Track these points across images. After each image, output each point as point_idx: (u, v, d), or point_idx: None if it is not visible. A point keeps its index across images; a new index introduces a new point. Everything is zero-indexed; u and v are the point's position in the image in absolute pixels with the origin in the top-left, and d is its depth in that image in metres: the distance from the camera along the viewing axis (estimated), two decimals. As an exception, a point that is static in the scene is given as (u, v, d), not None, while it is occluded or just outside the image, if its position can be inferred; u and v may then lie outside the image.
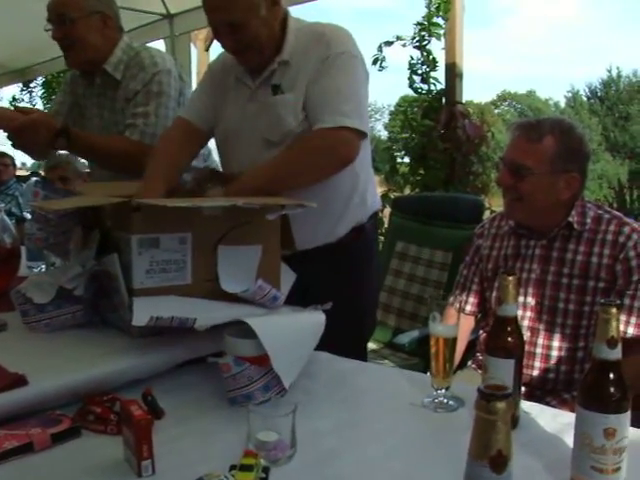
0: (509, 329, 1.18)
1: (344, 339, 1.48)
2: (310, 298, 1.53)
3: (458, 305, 1.97)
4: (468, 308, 2.01)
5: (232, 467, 0.93)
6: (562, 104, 45.12)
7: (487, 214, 3.40)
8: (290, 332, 1.32)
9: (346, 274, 1.88)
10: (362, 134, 1.71)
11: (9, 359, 1.26)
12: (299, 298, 1.56)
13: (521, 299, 1.81)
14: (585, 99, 43.35)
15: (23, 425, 1.10)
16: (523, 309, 1.82)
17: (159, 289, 1.41)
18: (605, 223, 1.77)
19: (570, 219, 1.78)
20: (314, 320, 1.37)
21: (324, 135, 1.68)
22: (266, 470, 0.95)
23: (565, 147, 1.75)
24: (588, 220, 1.79)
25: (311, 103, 1.72)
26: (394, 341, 2.47)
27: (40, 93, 16.11)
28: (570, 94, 44.53)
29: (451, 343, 1.28)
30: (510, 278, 1.18)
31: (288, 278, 1.64)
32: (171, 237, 1.43)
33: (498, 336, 1.19)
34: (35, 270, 2.23)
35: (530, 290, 1.82)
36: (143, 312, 1.28)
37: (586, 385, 0.92)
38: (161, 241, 1.41)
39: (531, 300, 1.82)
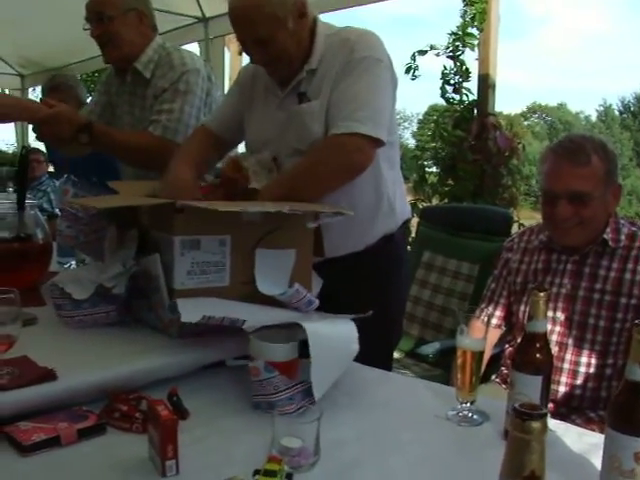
0: (538, 345, 1.17)
1: (370, 347, 1.47)
2: (336, 305, 1.54)
3: (485, 318, 1.96)
4: (494, 321, 2.00)
5: (256, 472, 0.93)
6: (593, 118, 44.77)
7: (515, 227, 3.38)
8: (335, 345, 1.32)
9: (374, 282, 1.87)
10: (376, 141, 1.67)
11: (38, 353, 1.27)
12: (324, 304, 1.56)
13: (550, 314, 1.79)
14: (617, 113, 42.93)
15: (51, 419, 1.11)
16: (552, 324, 1.80)
17: (198, 290, 1.43)
18: (639, 240, 1.77)
19: (605, 236, 1.77)
20: (352, 336, 1.38)
21: (335, 142, 1.66)
22: (289, 476, 0.95)
23: (609, 162, 1.77)
24: (622, 237, 1.78)
25: (330, 109, 1.71)
26: (418, 351, 2.46)
27: (75, 91, 16.41)
28: (602, 108, 44.13)
29: (478, 357, 1.27)
30: (541, 294, 1.17)
31: (316, 284, 1.65)
32: (212, 239, 1.44)
33: (527, 352, 1.18)
34: (65, 266, 2.26)
35: (560, 305, 1.81)
36: (192, 311, 1.29)
37: (617, 406, 0.91)
38: (202, 243, 1.43)
39: (560, 315, 1.80)
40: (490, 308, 2.02)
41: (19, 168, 2.02)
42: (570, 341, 1.78)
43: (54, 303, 1.52)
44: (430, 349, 2.38)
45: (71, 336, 1.47)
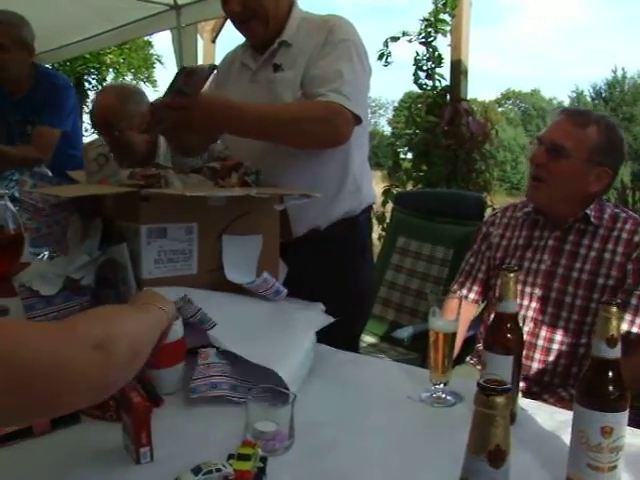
0: (509, 325, 1.19)
1: (336, 332, 1.49)
2: (300, 287, 1.59)
3: (462, 292, 1.97)
4: (471, 296, 2.02)
5: (230, 456, 0.94)
6: (566, 104, 45.16)
7: (489, 211, 3.41)
8: (303, 363, 1.33)
9: (337, 265, 1.88)
10: (357, 119, 1.71)
11: (10, 344, 1.26)
12: (289, 287, 1.59)
13: (528, 289, 1.82)
14: (589, 99, 43.34)
15: (23, 409, 1.10)
16: (529, 299, 1.82)
17: (166, 279, 1.42)
18: (622, 221, 1.78)
19: (587, 211, 1.78)
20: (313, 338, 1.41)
21: (328, 107, 1.67)
22: (264, 460, 0.95)
23: (606, 141, 1.77)
24: (605, 216, 1.79)
25: (311, 79, 1.74)
26: (393, 335, 2.48)
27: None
28: (574, 94, 44.56)
29: (450, 338, 1.28)
30: (511, 275, 1.18)
31: (282, 269, 1.67)
32: (178, 227, 1.44)
33: (497, 332, 1.19)
34: (38, 257, 2.23)
35: (538, 281, 1.83)
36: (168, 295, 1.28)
37: (584, 383, 0.93)
38: (169, 231, 1.42)
39: (538, 291, 1.82)
40: (468, 283, 2.03)
41: (-13, 158, 1.99)
42: (546, 318, 1.80)
43: (25, 305, 1.47)
44: (405, 333, 2.40)
45: (43, 326, 1.45)
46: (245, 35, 1.89)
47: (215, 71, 1.93)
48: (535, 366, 1.80)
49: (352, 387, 1.35)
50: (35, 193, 1.67)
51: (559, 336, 1.78)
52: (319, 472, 1.00)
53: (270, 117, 1.67)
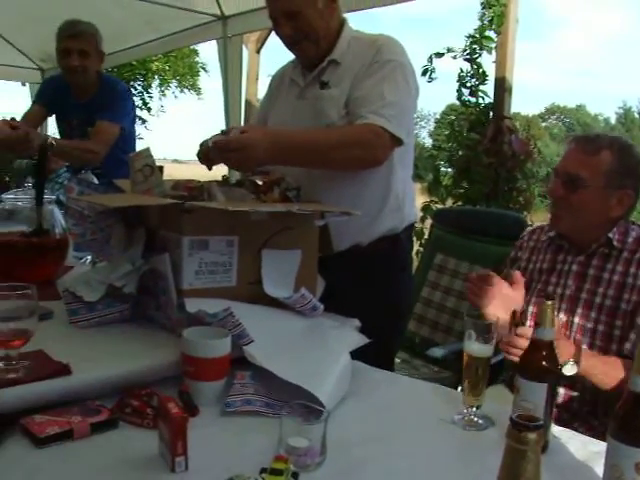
0: (544, 353, 1.18)
1: (371, 349, 1.50)
2: (338, 301, 1.61)
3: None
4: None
5: (262, 470, 0.96)
6: (612, 120, 44.46)
7: (528, 231, 3.37)
8: (339, 384, 1.33)
9: (377, 282, 1.90)
10: (397, 141, 1.75)
11: (54, 348, 1.31)
12: (326, 301, 1.60)
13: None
14: (637, 116, 42.57)
15: (64, 412, 1.14)
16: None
17: (206, 290, 1.45)
18: None
19: (610, 235, 1.75)
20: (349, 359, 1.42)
21: (366, 129, 1.71)
22: (295, 475, 0.97)
23: (622, 164, 1.74)
24: (629, 240, 1.75)
25: (354, 99, 1.77)
26: (428, 353, 2.47)
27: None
28: (622, 110, 43.81)
29: (484, 362, 1.28)
30: (549, 302, 1.18)
31: (319, 284, 1.69)
32: (220, 240, 1.47)
33: (533, 359, 1.19)
34: (81, 261, 2.29)
35: (563, 306, 1.80)
36: (209, 307, 1.33)
37: (619, 417, 0.92)
38: (210, 243, 1.45)
39: (562, 316, 1.79)
40: None
41: (38, 163, 2.05)
42: None
43: (68, 310, 1.52)
44: (440, 352, 2.39)
45: (85, 331, 1.49)
46: (297, 55, 1.93)
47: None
48: (562, 392, 1.77)
49: (385, 406, 1.35)
50: (82, 200, 1.72)
51: None
52: (349, 490, 1.01)
53: (307, 146, 1.73)
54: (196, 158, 1.85)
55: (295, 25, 1.79)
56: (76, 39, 3.10)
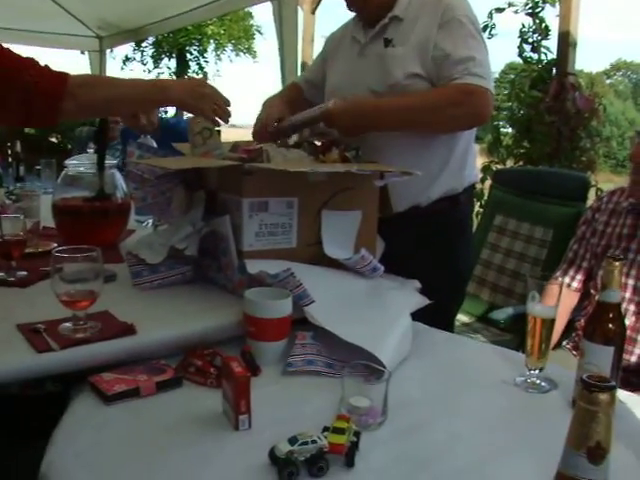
0: (611, 315, 1.15)
1: (433, 310, 1.49)
2: (398, 263, 1.60)
3: (564, 280, 1.92)
4: (574, 285, 1.97)
5: (325, 429, 0.96)
6: (684, 76, 42.50)
7: (593, 192, 3.27)
8: (400, 346, 1.33)
9: (437, 243, 1.88)
10: (493, 97, 1.74)
11: (118, 309, 1.34)
12: (387, 263, 1.59)
13: (631, 282, 1.76)
14: None
15: (130, 371, 1.17)
16: (632, 292, 1.76)
17: (266, 252, 1.46)
18: None
19: None
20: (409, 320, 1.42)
21: (466, 90, 1.68)
22: (357, 434, 0.97)
23: None
24: None
25: (439, 59, 1.73)
26: (490, 316, 2.44)
27: (150, 53, 16.70)
28: (695, 64, 41.78)
29: (549, 324, 1.25)
30: (617, 263, 1.14)
31: (379, 245, 1.68)
32: (279, 201, 1.47)
33: (599, 321, 1.15)
34: (143, 224, 2.34)
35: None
36: (270, 268, 1.34)
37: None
38: (270, 205, 1.46)
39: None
40: (571, 271, 1.98)
41: (99, 129, 2.09)
42: None
43: (131, 272, 1.56)
44: (502, 314, 2.36)
45: (148, 293, 1.53)
46: (357, 11, 1.90)
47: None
48: (634, 360, 1.73)
49: (446, 367, 1.35)
50: (142, 164, 1.74)
51: None
52: (411, 450, 1.01)
53: (410, 109, 1.72)
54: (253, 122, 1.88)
55: None
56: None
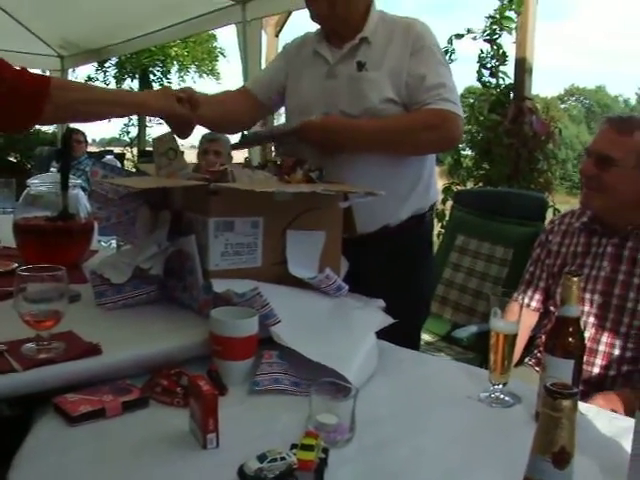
0: (570, 330, 1.18)
1: (397, 328, 1.51)
2: (365, 284, 1.62)
3: (523, 301, 1.97)
4: (533, 304, 2.01)
5: (293, 446, 0.97)
6: (632, 101, 43.90)
7: (550, 212, 3.36)
8: (366, 364, 1.34)
9: (402, 262, 1.90)
10: (463, 123, 1.81)
11: (83, 329, 1.32)
12: (352, 282, 1.61)
13: (588, 296, 1.81)
14: (658, 97, 42.00)
15: (96, 391, 1.16)
16: (590, 306, 1.81)
17: (232, 271, 1.46)
18: None
19: None
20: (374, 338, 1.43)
21: (438, 114, 1.74)
22: (325, 451, 0.98)
23: None
24: None
25: (411, 85, 1.79)
26: (453, 335, 2.47)
27: (113, 73, 16.58)
28: (641, 91, 43.22)
29: (511, 340, 1.28)
30: (575, 279, 1.17)
31: (342, 265, 1.69)
32: (245, 221, 1.48)
33: (559, 336, 1.19)
34: (105, 245, 2.32)
35: (598, 287, 1.81)
36: (237, 287, 1.34)
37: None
38: (235, 225, 1.46)
39: (598, 298, 1.80)
40: (529, 291, 2.03)
41: (63, 148, 2.08)
42: (607, 324, 1.78)
43: (95, 292, 1.54)
44: (464, 333, 2.39)
45: (112, 313, 1.51)
46: (326, 28, 1.92)
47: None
48: (596, 371, 1.78)
49: (412, 384, 1.36)
50: (106, 183, 1.73)
51: (621, 341, 1.76)
52: (378, 465, 1.02)
53: (387, 130, 1.78)
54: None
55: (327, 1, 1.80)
56: (214, 142, 3.66)
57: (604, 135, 1.80)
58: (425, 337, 2.88)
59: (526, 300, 2.01)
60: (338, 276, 1.58)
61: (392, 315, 1.55)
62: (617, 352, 1.76)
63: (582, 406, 1.25)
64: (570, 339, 1.18)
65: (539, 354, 1.94)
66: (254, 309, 1.31)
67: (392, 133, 1.78)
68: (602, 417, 1.23)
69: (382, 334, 1.50)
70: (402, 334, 1.57)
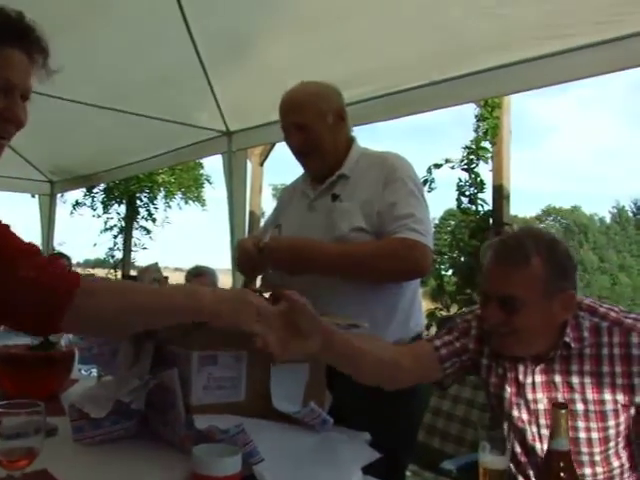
0: (562, 464, 1.15)
1: (381, 462, 1.47)
2: (348, 417, 1.60)
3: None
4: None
5: None
6: (607, 219, 45.20)
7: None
8: None
9: (386, 396, 1.85)
10: (432, 253, 1.83)
11: (59, 467, 1.27)
12: (334, 414, 1.57)
13: (534, 429, 1.63)
14: (631, 214, 43.33)
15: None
16: (540, 442, 1.62)
17: (215, 406, 1.44)
18: (606, 334, 1.54)
19: (567, 339, 1.56)
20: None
21: (403, 243, 1.77)
22: None
23: (555, 265, 1.53)
24: (585, 334, 1.56)
25: (381, 215, 1.84)
26: (441, 466, 2.39)
27: (101, 198, 16.88)
28: (615, 210, 44.60)
29: (499, 475, 1.25)
30: (562, 411, 1.16)
31: (327, 398, 1.66)
32: (228, 355, 1.47)
33: (550, 471, 1.16)
34: (85, 373, 2.27)
35: (542, 422, 1.61)
36: (220, 423, 1.30)
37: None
38: (219, 358, 1.45)
39: (546, 432, 1.58)
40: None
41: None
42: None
43: (73, 427, 1.48)
44: (452, 465, 2.32)
45: (90, 449, 1.46)
46: (305, 167, 2.03)
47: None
48: None
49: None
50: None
51: (589, 469, 1.59)
52: None
53: (349, 255, 1.80)
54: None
55: (305, 137, 1.90)
56: (199, 277, 4.07)
57: (499, 272, 1.55)
58: (413, 468, 2.79)
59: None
60: (322, 409, 1.55)
61: (377, 448, 1.51)
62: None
63: None
64: (562, 474, 1.15)
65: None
66: (237, 446, 1.27)
67: (354, 258, 1.81)
68: None
69: (367, 468, 1.45)
70: (388, 467, 1.52)
